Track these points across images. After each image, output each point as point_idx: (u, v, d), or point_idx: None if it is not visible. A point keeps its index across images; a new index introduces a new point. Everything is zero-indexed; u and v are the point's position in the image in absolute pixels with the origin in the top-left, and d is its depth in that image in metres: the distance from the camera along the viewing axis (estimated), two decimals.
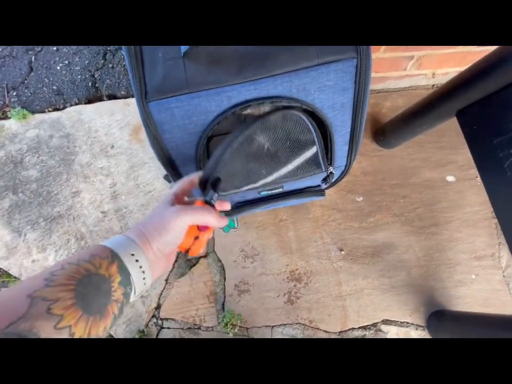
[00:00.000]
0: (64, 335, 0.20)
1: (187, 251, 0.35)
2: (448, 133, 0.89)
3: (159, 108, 0.40)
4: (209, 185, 0.37)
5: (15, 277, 0.86)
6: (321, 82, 0.40)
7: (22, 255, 0.88)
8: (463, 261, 0.80)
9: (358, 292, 0.78)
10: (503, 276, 0.78)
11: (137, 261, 0.28)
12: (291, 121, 0.43)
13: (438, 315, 0.74)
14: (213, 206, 0.35)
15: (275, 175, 0.51)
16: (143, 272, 0.28)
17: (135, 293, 0.28)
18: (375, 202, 0.84)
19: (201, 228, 0.35)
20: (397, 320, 0.77)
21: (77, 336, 0.21)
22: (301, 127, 0.44)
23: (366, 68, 0.40)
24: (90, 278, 0.23)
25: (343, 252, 0.81)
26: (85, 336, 0.21)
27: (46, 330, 0.19)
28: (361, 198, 0.85)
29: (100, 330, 0.23)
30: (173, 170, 0.48)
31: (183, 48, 0.38)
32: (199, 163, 0.47)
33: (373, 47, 0.79)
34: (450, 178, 0.87)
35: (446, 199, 0.85)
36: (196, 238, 0.34)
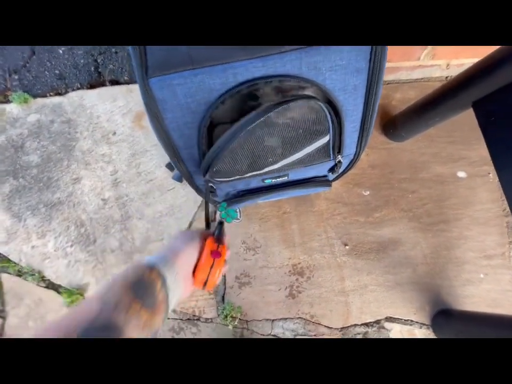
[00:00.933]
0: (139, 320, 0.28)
1: (204, 285, 0.38)
2: (460, 128, 0.86)
3: (161, 84, 0.38)
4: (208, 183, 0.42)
5: (15, 263, 0.86)
6: (333, 61, 0.37)
7: (21, 241, 0.87)
8: (471, 260, 0.77)
9: (362, 288, 0.76)
10: None
11: (170, 272, 0.34)
12: (310, 110, 0.40)
13: (443, 314, 0.72)
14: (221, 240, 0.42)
15: (282, 163, 0.49)
16: (175, 286, 0.34)
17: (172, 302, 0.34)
18: (382, 197, 0.82)
19: (214, 255, 0.38)
20: (400, 317, 0.75)
21: (144, 322, 0.28)
22: (319, 116, 0.41)
23: (382, 47, 0.37)
24: (141, 283, 0.31)
25: (347, 247, 0.79)
26: (150, 322, 0.29)
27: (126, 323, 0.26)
28: (368, 192, 0.82)
29: (157, 320, 0.30)
30: (174, 152, 0.46)
31: None
32: (201, 146, 0.44)
33: None
34: (461, 174, 0.84)
35: (456, 195, 0.82)
36: (211, 267, 0.38)
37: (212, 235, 0.44)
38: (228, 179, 0.50)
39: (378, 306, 0.75)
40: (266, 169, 0.50)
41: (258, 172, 0.50)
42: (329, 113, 0.42)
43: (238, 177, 0.50)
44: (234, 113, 0.41)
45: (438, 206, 0.81)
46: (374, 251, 0.78)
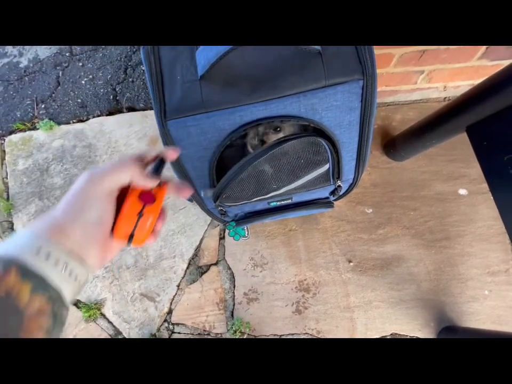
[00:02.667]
0: None
1: (130, 239, 0.27)
2: (460, 146, 0.89)
3: (177, 126, 0.44)
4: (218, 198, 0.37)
5: None
6: (328, 103, 0.42)
7: None
8: (475, 276, 0.78)
9: (367, 304, 0.78)
10: None
11: (48, 257, 0.22)
12: (311, 144, 0.45)
13: (449, 331, 0.73)
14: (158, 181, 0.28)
15: (286, 188, 0.54)
16: (65, 266, 0.22)
17: (69, 292, 0.23)
18: (385, 214, 0.85)
19: (144, 198, 0.27)
20: (406, 334, 0.76)
21: None
22: (318, 149, 0.47)
23: (372, 88, 0.42)
24: None
25: (351, 264, 0.81)
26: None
27: None
28: (371, 210, 0.85)
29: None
30: (188, 183, 0.51)
31: (200, 72, 0.41)
32: (212, 176, 0.49)
33: (383, 62, 0.81)
34: (462, 191, 0.86)
35: (458, 212, 0.84)
36: (140, 215, 0.27)
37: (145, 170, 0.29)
38: (236, 203, 0.55)
39: (383, 323, 0.77)
40: (271, 194, 0.55)
41: (263, 197, 0.55)
42: (327, 146, 0.47)
43: (245, 202, 0.54)
44: (240, 150, 0.47)
45: (440, 223, 0.83)
46: (378, 268, 0.81)
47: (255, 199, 0.55)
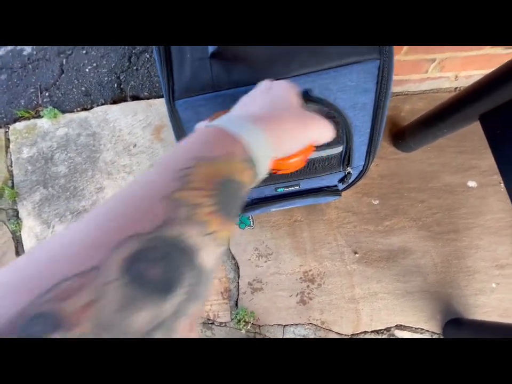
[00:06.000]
0: (211, 243, 0.16)
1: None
2: (470, 137, 0.87)
3: (186, 105, 0.43)
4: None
5: None
6: (343, 83, 0.41)
7: None
8: (483, 269, 0.77)
9: (372, 296, 0.77)
10: None
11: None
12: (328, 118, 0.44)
13: (455, 323, 0.73)
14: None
15: None
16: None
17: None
18: (392, 206, 0.83)
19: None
20: (411, 326, 0.75)
21: (219, 242, 0.17)
22: (335, 126, 0.45)
23: (388, 69, 0.41)
24: (230, 185, 0.19)
25: (357, 255, 0.80)
26: (226, 242, 0.18)
27: (194, 237, 0.15)
28: (378, 201, 0.84)
29: (230, 235, 0.20)
30: None
31: (210, 49, 0.40)
32: None
33: (394, 49, 0.79)
34: (471, 183, 0.85)
35: (466, 205, 0.83)
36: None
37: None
38: None
39: (388, 314, 0.76)
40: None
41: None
42: (343, 124, 0.45)
43: None
44: None
45: (448, 216, 0.82)
46: (384, 259, 0.80)
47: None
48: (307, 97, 0.30)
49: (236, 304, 0.81)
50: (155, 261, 0.13)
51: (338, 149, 0.49)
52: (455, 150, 0.87)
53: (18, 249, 0.93)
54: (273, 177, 0.55)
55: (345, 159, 0.53)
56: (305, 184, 0.60)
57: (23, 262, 0.13)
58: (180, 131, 0.45)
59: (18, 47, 1.15)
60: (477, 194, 0.83)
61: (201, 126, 0.24)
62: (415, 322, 0.76)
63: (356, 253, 0.81)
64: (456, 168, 0.85)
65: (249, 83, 0.40)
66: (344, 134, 0.47)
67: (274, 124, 0.23)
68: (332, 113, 0.43)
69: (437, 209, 0.83)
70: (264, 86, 0.29)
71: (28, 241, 0.93)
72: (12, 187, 0.97)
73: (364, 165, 0.56)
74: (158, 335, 0.13)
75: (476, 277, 0.77)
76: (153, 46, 0.42)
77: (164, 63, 0.42)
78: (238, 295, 0.81)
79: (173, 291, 0.14)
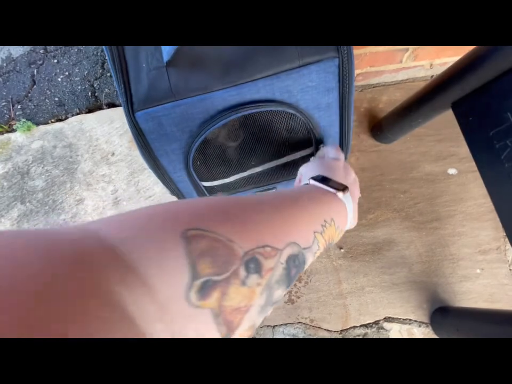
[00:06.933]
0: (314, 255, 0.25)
1: None
2: (447, 125, 0.87)
3: (146, 117, 0.41)
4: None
5: None
6: (303, 84, 0.40)
7: None
8: (467, 256, 0.78)
9: (359, 290, 0.78)
10: (510, 270, 0.76)
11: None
12: (287, 119, 0.43)
13: (442, 311, 0.73)
14: None
15: (265, 166, 0.52)
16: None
17: None
18: (374, 199, 0.83)
19: None
20: (399, 317, 0.76)
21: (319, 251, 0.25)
22: (296, 125, 0.44)
23: (348, 66, 0.40)
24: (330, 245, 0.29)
25: (342, 250, 0.80)
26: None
27: (311, 258, 0.24)
28: (360, 195, 0.84)
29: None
30: (164, 177, 0.49)
31: (166, 57, 0.39)
32: (189, 170, 0.47)
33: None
34: (451, 171, 0.85)
35: (447, 192, 0.83)
36: None
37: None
38: (214, 184, 0.52)
39: (376, 307, 0.76)
40: (249, 172, 0.52)
41: (242, 175, 0.52)
42: (309, 125, 0.45)
43: (223, 182, 0.52)
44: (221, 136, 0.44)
45: (430, 204, 0.82)
46: (369, 253, 0.80)
47: (233, 177, 0.52)
48: None
49: None
50: (296, 265, 0.21)
51: (308, 150, 0.49)
52: (434, 139, 0.87)
53: None
54: (248, 181, 0.55)
55: None
56: (282, 186, 0.60)
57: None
58: (143, 142, 0.44)
59: None
60: (458, 181, 0.84)
61: (325, 189, 0.30)
62: (402, 313, 0.76)
63: (341, 248, 0.81)
64: (435, 156, 0.85)
65: (207, 90, 0.39)
66: (312, 134, 0.46)
67: (355, 201, 0.34)
68: (296, 116, 0.43)
69: (419, 199, 0.83)
70: (335, 156, 0.39)
71: None
72: None
73: None
74: (269, 310, 0.19)
75: (460, 264, 0.78)
76: (108, 57, 0.41)
77: (120, 74, 0.40)
78: None
79: (289, 286, 0.21)
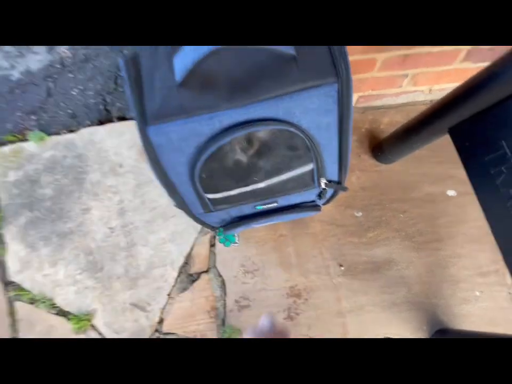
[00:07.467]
0: None
1: None
2: (447, 147, 0.89)
3: (157, 131, 0.44)
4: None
5: (28, 291, 0.90)
6: (305, 106, 0.43)
7: (34, 270, 0.92)
8: (466, 278, 0.78)
9: (359, 309, 0.77)
10: (509, 293, 0.76)
11: None
12: (288, 137, 0.46)
13: (441, 334, 0.72)
14: None
15: (266, 183, 0.53)
16: None
17: None
18: (375, 218, 0.85)
19: None
20: (399, 337, 0.75)
21: None
22: (297, 143, 0.47)
23: (347, 90, 0.43)
24: None
25: (342, 268, 0.81)
26: None
27: None
28: (360, 213, 0.85)
29: None
30: (171, 188, 0.51)
31: (178, 78, 0.42)
32: (194, 182, 0.50)
33: (366, 67, 0.82)
34: (451, 192, 0.86)
35: (447, 213, 0.84)
36: None
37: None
38: (218, 196, 0.54)
39: (375, 327, 0.76)
40: (251, 187, 0.54)
41: (245, 189, 0.54)
42: (309, 143, 0.47)
43: (226, 194, 0.54)
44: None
45: (429, 225, 0.83)
46: (369, 271, 0.80)
47: (236, 190, 0.54)
48: None
49: (223, 322, 0.80)
50: None
51: (309, 167, 0.51)
52: (434, 160, 0.89)
53: (4, 273, 0.92)
54: (251, 194, 0.56)
55: (319, 174, 0.54)
56: (283, 201, 0.61)
57: None
58: (153, 155, 0.47)
59: (6, 72, 1.18)
60: (457, 203, 0.85)
61: None
62: (402, 334, 0.75)
63: (341, 265, 0.81)
64: (435, 177, 0.87)
65: (215, 109, 0.42)
66: (312, 152, 0.48)
67: None
68: (298, 134, 0.45)
69: (418, 219, 0.84)
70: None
71: (12, 266, 0.92)
72: None
73: (338, 182, 0.58)
74: None
75: (460, 286, 0.77)
76: (125, 77, 0.44)
77: (136, 91, 0.43)
78: (225, 313, 0.81)
79: None
